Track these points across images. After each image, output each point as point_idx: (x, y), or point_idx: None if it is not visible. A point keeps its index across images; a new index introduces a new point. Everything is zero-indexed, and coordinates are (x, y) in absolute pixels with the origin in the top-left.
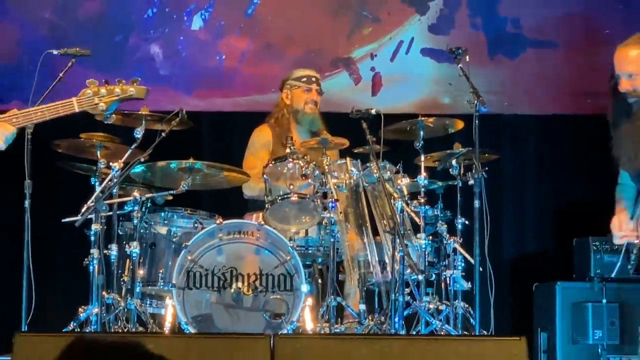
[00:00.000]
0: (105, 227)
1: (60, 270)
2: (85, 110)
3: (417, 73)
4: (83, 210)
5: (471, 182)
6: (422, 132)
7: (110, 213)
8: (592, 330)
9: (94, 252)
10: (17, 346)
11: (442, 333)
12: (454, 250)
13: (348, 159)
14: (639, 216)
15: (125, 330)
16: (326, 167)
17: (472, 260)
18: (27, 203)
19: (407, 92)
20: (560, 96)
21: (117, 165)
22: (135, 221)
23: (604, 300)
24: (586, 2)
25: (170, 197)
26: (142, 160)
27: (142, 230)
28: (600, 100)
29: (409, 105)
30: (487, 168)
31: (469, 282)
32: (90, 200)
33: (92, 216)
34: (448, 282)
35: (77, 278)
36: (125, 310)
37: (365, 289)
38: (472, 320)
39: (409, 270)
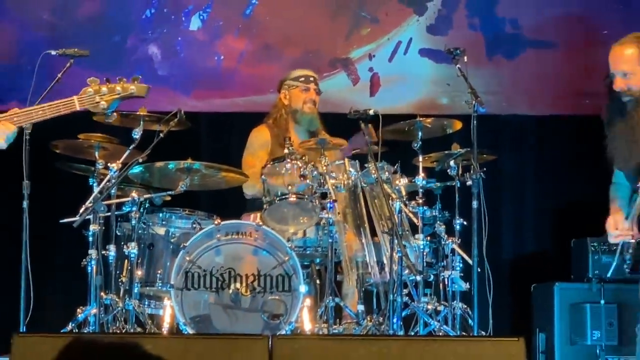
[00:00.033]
0: (103, 228)
1: (59, 270)
2: (87, 109)
3: (415, 73)
4: (81, 210)
5: (469, 182)
6: (420, 133)
7: (109, 214)
8: (591, 331)
9: (92, 252)
10: (16, 347)
11: (441, 334)
12: (452, 250)
13: (346, 159)
14: (634, 215)
15: (123, 331)
16: (324, 167)
17: (470, 261)
18: (25, 204)
19: (405, 93)
20: (558, 97)
21: (115, 165)
22: (134, 222)
23: (602, 301)
24: (585, 3)
25: (169, 198)
26: (140, 160)
27: (140, 231)
28: (599, 100)
29: (407, 106)
30: (485, 169)
31: (467, 283)
32: (88, 201)
33: (90, 217)
34: (446, 282)
35: (75, 279)
36: (124, 310)
37: (363, 289)
38: (470, 320)
39: (407, 271)
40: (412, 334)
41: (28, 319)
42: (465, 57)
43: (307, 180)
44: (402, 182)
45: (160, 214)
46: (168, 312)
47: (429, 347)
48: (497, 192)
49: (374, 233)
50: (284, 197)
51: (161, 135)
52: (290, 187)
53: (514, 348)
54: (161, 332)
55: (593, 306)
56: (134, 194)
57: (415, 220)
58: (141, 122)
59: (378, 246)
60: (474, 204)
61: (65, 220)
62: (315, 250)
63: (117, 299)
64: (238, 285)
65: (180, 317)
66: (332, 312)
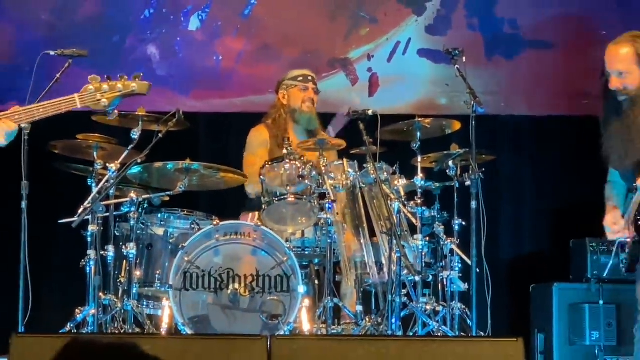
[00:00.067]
0: (102, 228)
1: (57, 271)
2: (88, 106)
3: (414, 74)
4: (80, 211)
5: (468, 183)
6: (419, 133)
7: (107, 214)
8: (589, 331)
9: (91, 253)
10: (14, 347)
11: (439, 334)
12: (451, 251)
13: (345, 160)
14: (630, 214)
15: (122, 332)
16: (323, 168)
17: (469, 261)
18: (24, 204)
19: (404, 93)
20: (557, 97)
21: (113, 166)
22: (132, 222)
23: (601, 302)
24: (583, 3)
25: (167, 198)
26: (139, 161)
27: (138, 231)
28: (597, 101)
29: (405, 106)
30: (484, 169)
31: (466, 283)
32: (87, 202)
33: (89, 217)
34: (445, 283)
35: (74, 279)
36: (122, 311)
37: (362, 290)
38: (469, 321)
39: (405, 272)
40: (411, 334)
41: (27, 319)
42: (464, 58)
43: (306, 181)
44: (401, 182)
45: (159, 215)
46: (167, 312)
47: (427, 348)
48: (496, 193)
49: (372, 233)
50: (282, 197)
51: (160, 135)
52: (288, 188)
53: (513, 348)
54: (160, 333)
55: (592, 306)
56: (133, 195)
57: (414, 220)
58: (140, 123)
59: (377, 246)
60: (473, 204)
61: (64, 220)
62: (313, 250)
63: (115, 300)
64: (237, 285)
65: (178, 317)
66: (331, 312)
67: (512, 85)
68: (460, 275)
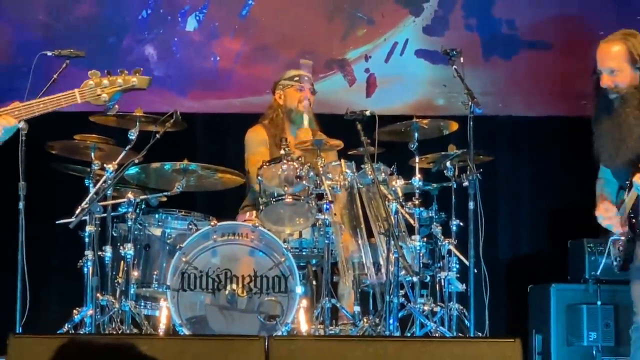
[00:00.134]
0: (99, 229)
1: (55, 271)
2: (88, 101)
3: (412, 74)
4: (77, 211)
5: (466, 183)
6: (416, 134)
7: (105, 214)
8: (587, 332)
9: (88, 253)
10: (12, 348)
11: (437, 335)
12: (449, 251)
13: (342, 160)
14: (624, 212)
15: (119, 332)
16: (320, 168)
17: (466, 262)
18: (21, 204)
19: (402, 94)
20: (554, 97)
21: (111, 166)
22: (130, 223)
23: (599, 302)
24: (580, 4)
25: (165, 199)
26: (137, 161)
27: (136, 232)
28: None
29: (403, 107)
30: (481, 169)
31: (464, 284)
32: (84, 202)
33: (87, 218)
34: (443, 283)
35: (71, 280)
36: (120, 312)
37: (359, 290)
38: (466, 321)
39: (403, 272)
40: (409, 335)
41: (24, 319)
42: (462, 58)
43: (304, 182)
44: (399, 183)
45: (157, 215)
46: (164, 313)
47: (425, 348)
48: (494, 193)
49: (370, 234)
50: (280, 198)
51: (157, 136)
52: (286, 188)
53: (511, 349)
54: (157, 333)
55: (589, 307)
56: (130, 195)
57: (411, 221)
58: (137, 123)
59: (374, 247)
60: (471, 205)
61: (62, 221)
62: (311, 251)
63: (113, 300)
64: (234, 286)
65: (176, 318)
66: (329, 313)
67: (510, 86)
68: (458, 275)
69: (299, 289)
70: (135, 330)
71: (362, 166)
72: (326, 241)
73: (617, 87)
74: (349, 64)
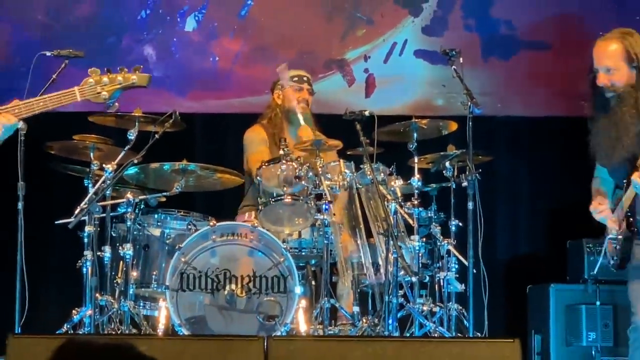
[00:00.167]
0: (98, 229)
1: (54, 272)
2: (88, 99)
3: (411, 75)
4: (76, 212)
5: (465, 183)
6: (415, 134)
7: (104, 215)
8: (586, 332)
9: (87, 253)
10: (11, 348)
11: (436, 335)
12: (448, 252)
13: (341, 160)
14: (621, 210)
15: (118, 332)
16: (319, 168)
17: (465, 262)
18: (20, 205)
19: (401, 94)
20: (553, 98)
21: (110, 166)
22: (129, 223)
23: (598, 302)
24: (579, 4)
25: (164, 199)
26: (136, 161)
27: (135, 232)
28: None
29: (402, 107)
30: (480, 170)
31: (463, 284)
32: (83, 202)
33: (86, 218)
34: (442, 284)
35: (70, 280)
36: (119, 312)
37: (358, 290)
38: (465, 322)
39: (402, 272)
40: (408, 335)
41: (23, 320)
42: (461, 58)
43: (303, 182)
44: (398, 183)
45: (156, 215)
46: (163, 313)
47: (424, 349)
48: (493, 194)
49: (369, 234)
50: (279, 198)
51: (156, 136)
52: (285, 189)
53: (510, 349)
54: (156, 334)
55: (589, 307)
56: (129, 195)
57: (410, 221)
58: (136, 123)
59: (373, 247)
60: (470, 205)
61: (61, 221)
62: (310, 251)
63: (112, 300)
64: (233, 286)
65: (175, 318)
66: (328, 313)
67: (509, 86)
68: (457, 276)
69: (298, 289)
70: (134, 331)
71: (361, 166)
72: (325, 241)
73: (614, 86)
74: (348, 64)
